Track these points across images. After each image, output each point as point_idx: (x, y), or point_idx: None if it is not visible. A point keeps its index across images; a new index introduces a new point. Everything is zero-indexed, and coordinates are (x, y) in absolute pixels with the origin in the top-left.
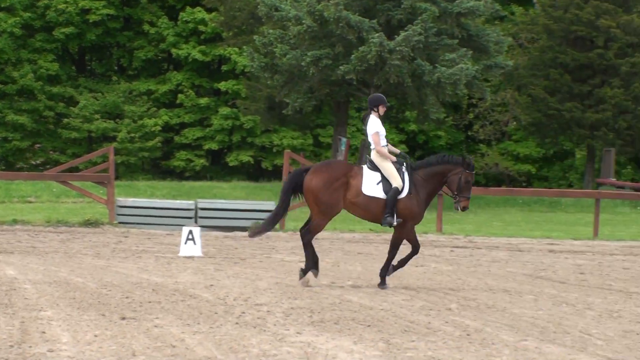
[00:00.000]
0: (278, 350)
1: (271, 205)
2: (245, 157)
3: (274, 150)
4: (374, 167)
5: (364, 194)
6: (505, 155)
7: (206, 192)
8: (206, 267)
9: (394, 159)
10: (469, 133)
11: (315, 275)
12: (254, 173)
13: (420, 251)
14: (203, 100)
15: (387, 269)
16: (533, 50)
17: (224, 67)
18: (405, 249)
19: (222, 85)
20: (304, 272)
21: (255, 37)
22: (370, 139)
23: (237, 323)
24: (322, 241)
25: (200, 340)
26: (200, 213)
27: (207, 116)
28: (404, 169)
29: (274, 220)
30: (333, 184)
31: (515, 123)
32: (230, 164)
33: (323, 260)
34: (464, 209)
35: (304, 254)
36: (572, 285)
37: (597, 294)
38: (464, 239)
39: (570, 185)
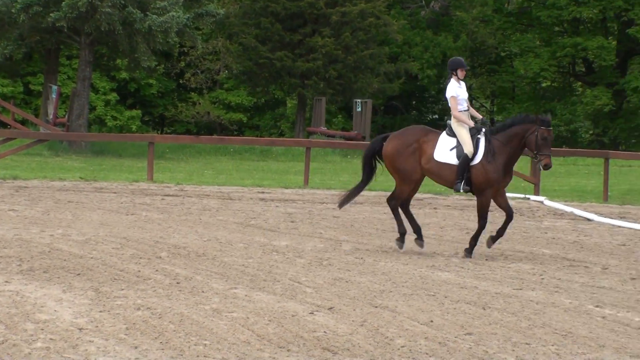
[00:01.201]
0: None
1: None
2: None
3: None
4: (452, 133)
5: (435, 160)
6: (217, 104)
7: None
8: None
9: (471, 124)
10: (181, 81)
11: (421, 245)
12: None
13: (143, 201)
14: None
15: (476, 239)
16: None
17: None
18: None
19: None
20: (399, 240)
21: None
22: (449, 103)
23: None
24: (32, 189)
25: None
26: None
27: None
28: (480, 134)
29: (359, 188)
30: (406, 149)
31: (226, 72)
32: None
33: (32, 208)
34: (546, 166)
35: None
36: (282, 233)
37: (307, 242)
38: (175, 187)
39: (281, 134)
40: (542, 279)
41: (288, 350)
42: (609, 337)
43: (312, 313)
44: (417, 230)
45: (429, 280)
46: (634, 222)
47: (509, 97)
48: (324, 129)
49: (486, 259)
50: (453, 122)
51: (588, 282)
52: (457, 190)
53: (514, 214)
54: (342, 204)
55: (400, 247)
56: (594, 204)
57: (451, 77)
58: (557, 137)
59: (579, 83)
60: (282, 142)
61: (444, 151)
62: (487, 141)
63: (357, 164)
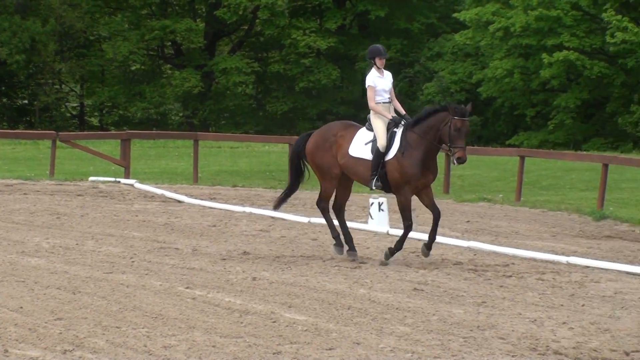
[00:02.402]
0: None
1: None
2: None
3: None
4: (372, 127)
5: (350, 155)
6: None
7: None
8: None
9: (389, 116)
10: None
11: (354, 256)
12: None
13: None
14: None
15: (402, 243)
16: None
17: None
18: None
19: None
20: (336, 245)
21: None
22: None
23: None
24: None
25: None
26: None
27: None
28: (397, 128)
29: (288, 193)
30: (323, 145)
31: None
32: None
33: None
34: (459, 160)
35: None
36: None
37: None
38: None
39: None
40: (133, 262)
41: None
42: (199, 318)
43: None
44: (348, 240)
45: (19, 267)
46: (224, 203)
47: (98, 81)
48: None
49: (77, 243)
50: (371, 115)
51: (179, 263)
52: (371, 188)
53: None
54: (276, 206)
55: (340, 252)
56: (185, 185)
57: (371, 66)
58: (148, 121)
59: (169, 65)
60: None
61: (359, 146)
62: (404, 135)
63: None
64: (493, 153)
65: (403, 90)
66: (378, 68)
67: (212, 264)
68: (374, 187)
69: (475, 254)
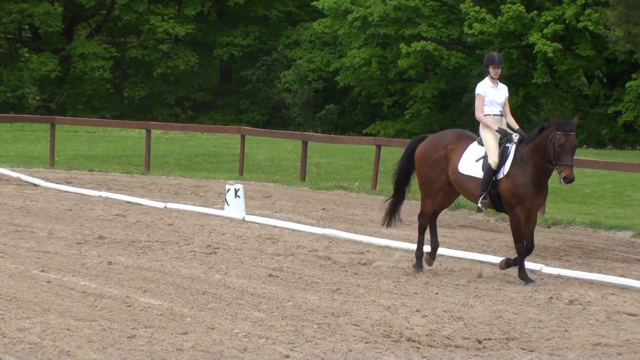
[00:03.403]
0: None
1: None
2: None
3: None
4: (482, 142)
5: (460, 172)
6: None
7: None
8: None
9: (495, 127)
10: None
11: (429, 263)
12: None
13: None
14: None
15: (519, 265)
16: None
17: None
18: None
19: None
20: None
21: None
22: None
23: None
24: None
25: None
26: None
27: None
28: (510, 143)
29: (396, 203)
30: (431, 156)
31: None
32: None
33: None
34: (566, 179)
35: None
36: None
37: None
38: None
39: None
40: None
41: None
42: (54, 301)
43: None
44: (434, 247)
45: None
46: (80, 187)
47: None
48: None
49: None
50: (481, 128)
51: (34, 247)
52: (477, 206)
53: None
54: (386, 223)
55: (416, 271)
56: (41, 169)
57: (486, 75)
58: (5, 104)
59: (26, 49)
60: None
61: (469, 162)
62: (517, 151)
63: None
64: (350, 142)
65: (261, 78)
66: (492, 78)
67: (67, 248)
68: (479, 205)
69: (330, 242)
